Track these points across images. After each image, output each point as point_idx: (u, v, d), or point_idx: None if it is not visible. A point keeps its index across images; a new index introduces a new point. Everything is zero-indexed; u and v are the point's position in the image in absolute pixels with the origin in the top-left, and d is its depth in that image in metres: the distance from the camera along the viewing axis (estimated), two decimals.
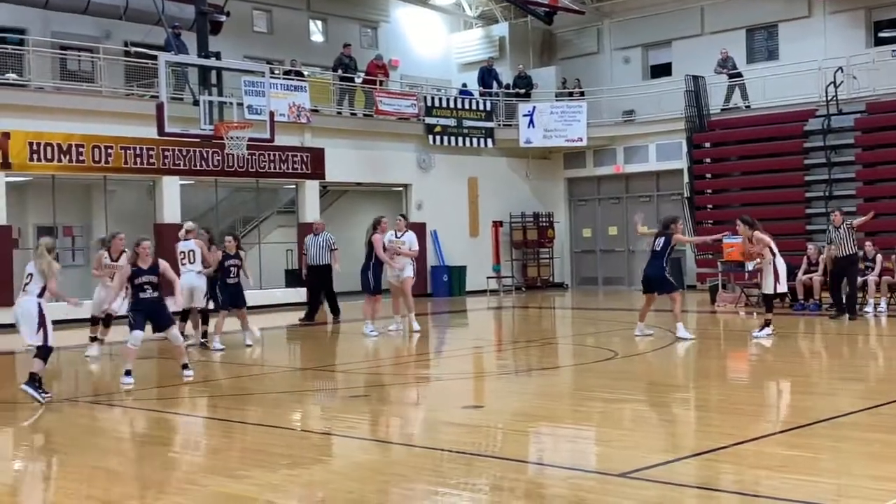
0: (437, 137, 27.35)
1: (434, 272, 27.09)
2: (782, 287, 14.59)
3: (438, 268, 27.17)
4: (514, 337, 17.77)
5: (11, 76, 21.04)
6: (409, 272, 16.35)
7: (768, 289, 14.41)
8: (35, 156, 20.16)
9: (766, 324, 14.31)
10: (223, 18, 21.89)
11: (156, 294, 11.09)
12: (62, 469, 7.20)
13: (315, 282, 19.11)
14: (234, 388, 11.43)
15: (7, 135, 19.81)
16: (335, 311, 19.56)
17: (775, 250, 14.39)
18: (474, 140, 28.18)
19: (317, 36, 29.70)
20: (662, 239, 14.48)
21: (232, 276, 14.80)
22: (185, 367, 11.46)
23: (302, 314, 19.55)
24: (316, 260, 18.72)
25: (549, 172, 30.24)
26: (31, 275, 10.24)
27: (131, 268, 11.11)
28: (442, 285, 27.06)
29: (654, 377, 11.45)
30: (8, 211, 20.31)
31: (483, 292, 27.52)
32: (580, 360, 13.37)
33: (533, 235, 29.25)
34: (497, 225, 28.77)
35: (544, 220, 29.50)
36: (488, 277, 28.04)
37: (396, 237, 16.21)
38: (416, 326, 16.23)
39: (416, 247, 16.51)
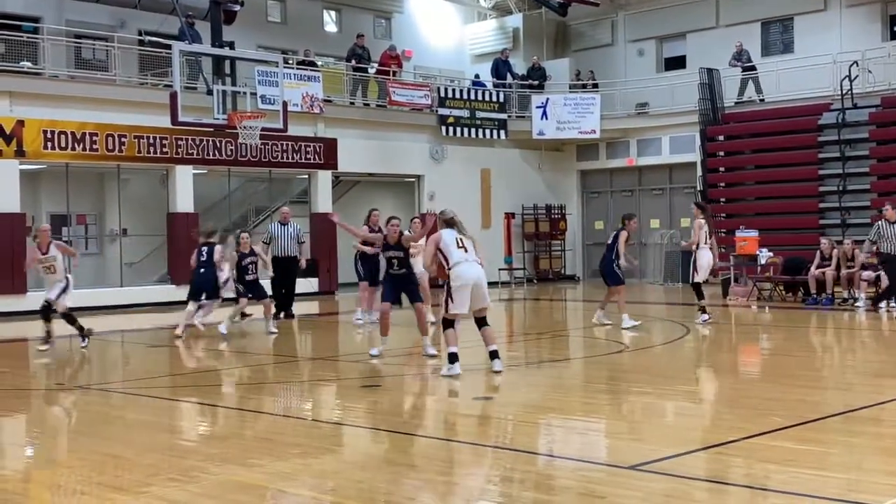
0: (450, 128, 27.34)
1: None
2: (699, 277, 15.49)
3: None
4: (525, 329, 17.76)
5: (26, 64, 21.12)
6: None
7: (691, 277, 15.63)
8: (49, 144, 20.24)
9: (702, 310, 15.29)
10: (237, 8, 21.91)
11: None
12: (73, 455, 7.23)
13: (279, 274, 17.68)
14: (244, 377, 11.48)
15: (21, 123, 19.89)
16: (286, 308, 18.03)
17: (702, 242, 15.26)
18: (487, 131, 28.15)
19: (330, 26, 29.71)
20: (614, 233, 15.31)
21: (250, 273, 15.08)
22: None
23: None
24: (282, 251, 17.55)
25: (562, 164, 30.19)
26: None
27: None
28: None
29: (663, 370, 11.43)
30: (22, 199, 20.40)
31: (494, 284, 27.50)
32: (590, 353, 13.38)
33: (545, 227, 29.23)
34: (509, 217, 28.75)
35: (556, 212, 29.46)
36: (500, 269, 28.03)
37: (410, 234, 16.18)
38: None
39: None
